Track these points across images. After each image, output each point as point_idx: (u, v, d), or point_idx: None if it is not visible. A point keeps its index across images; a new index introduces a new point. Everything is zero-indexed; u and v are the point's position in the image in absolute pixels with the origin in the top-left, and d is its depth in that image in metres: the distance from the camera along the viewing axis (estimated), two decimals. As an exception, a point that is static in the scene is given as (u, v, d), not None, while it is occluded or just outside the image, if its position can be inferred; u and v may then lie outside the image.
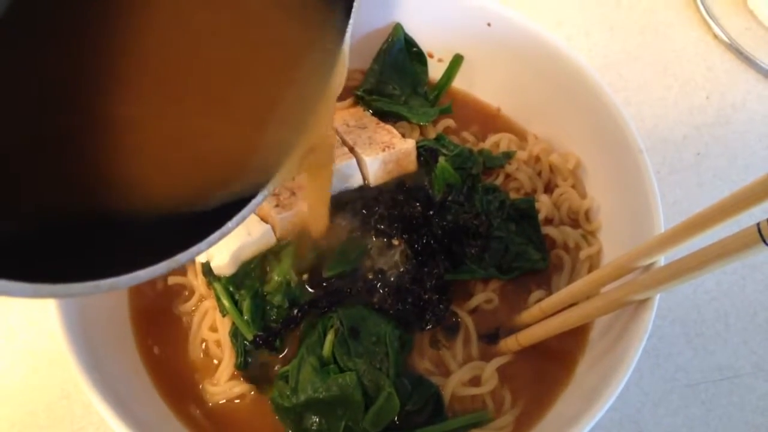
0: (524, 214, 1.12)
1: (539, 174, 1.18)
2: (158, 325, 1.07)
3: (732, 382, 1.23)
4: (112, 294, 1.05)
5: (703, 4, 1.62)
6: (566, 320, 0.99)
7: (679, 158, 1.46)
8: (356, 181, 1.13)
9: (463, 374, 1.03)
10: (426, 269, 1.06)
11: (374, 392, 0.95)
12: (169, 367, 1.04)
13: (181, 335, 1.06)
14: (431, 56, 1.28)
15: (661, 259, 0.94)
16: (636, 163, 1.04)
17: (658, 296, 0.93)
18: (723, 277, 1.32)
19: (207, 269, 1.07)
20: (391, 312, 1.03)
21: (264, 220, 1.07)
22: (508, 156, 1.18)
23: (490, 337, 1.06)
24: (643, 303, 0.93)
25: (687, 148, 1.47)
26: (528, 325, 1.04)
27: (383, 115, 1.23)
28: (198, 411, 1.01)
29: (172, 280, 1.09)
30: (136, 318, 1.07)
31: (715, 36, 1.59)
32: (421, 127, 1.22)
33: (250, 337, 1.02)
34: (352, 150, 1.13)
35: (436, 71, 1.29)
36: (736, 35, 1.58)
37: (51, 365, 1.18)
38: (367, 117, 1.21)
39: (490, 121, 1.24)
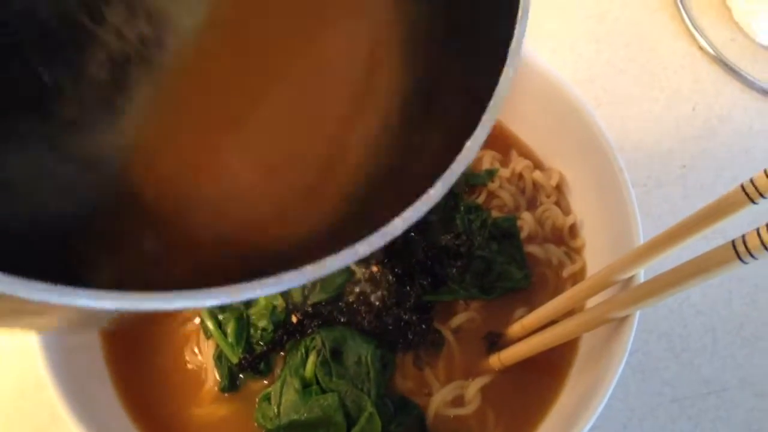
0: (506, 232, 1.13)
1: (522, 191, 1.18)
2: (134, 350, 1.07)
3: (719, 396, 1.23)
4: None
5: (688, 16, 1.62)
6: (548, 338, 0.99)
7: (665, 171, 1.46)
8: (338, 204, 1.13)
9: (446, 394, 1.03)
10: (407, 290, 1.06)
11: (356, 413, 0.95)
12: (146, 394, 1.04)
13: (161, 359, 1.06)
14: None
15: (641, 273, 0.94)
16: (616, 182, 1.04)
17: (638, 313, 0.93)
18: (709, 291, 1.32)
19: (190, 291, 1.07)
20: (372, 333, 1.03)
21: (247, 241, 1.07)
22: (491, 174, 1.18)
23: (492, 343, 1.06)
24: (623, 321, 0.94)
25: (673, 161, 1.47)
26: (511, 343, 1.05)
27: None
28: (178, 433, 1.01)
29: (156, 302, 1.09)
30: (111, 342, 1.07)
31: (701, 47, 1.59)
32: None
33: (235, 360, 1.02)
34: (334, 170, 1.13)
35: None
36: (722, 46, 1.58)
37: (39, 389, 1.18)
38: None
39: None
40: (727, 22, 1.64)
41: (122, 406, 1.02)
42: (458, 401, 1.03)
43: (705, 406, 1.22)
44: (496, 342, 1.06)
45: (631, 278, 0.95)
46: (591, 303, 1.02)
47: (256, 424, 1.01)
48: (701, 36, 1.59)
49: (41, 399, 1.17)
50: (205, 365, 1.05)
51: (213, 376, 1.04)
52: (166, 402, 1.03)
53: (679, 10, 1.63)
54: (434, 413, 1.02)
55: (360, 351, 0.99)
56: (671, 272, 0.85)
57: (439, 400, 1.02)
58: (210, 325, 1.04)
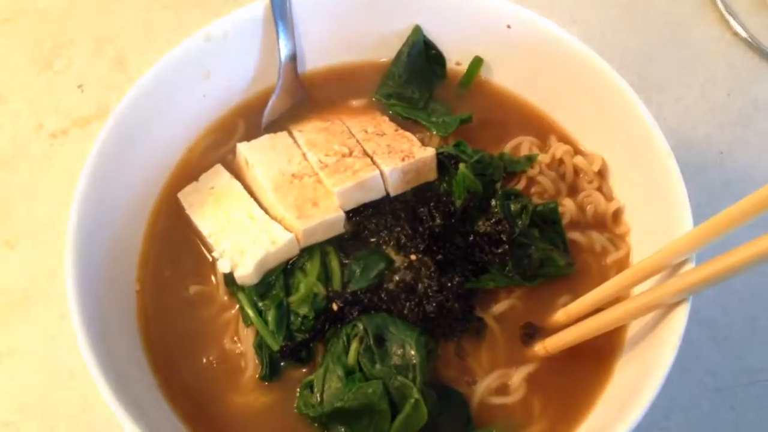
0: (548, 219, 1.11)
1: (563, 177, 1.16)
2: (176, 335, 1.06)
3: (762, 386, 1.21)
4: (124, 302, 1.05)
5: (722, 2, 1.59)
6: (595, 325, 0.97)
7: (702, 158, 1.43)
8: (378, 192, 1.11)
9: (491, 382, 1.01)
10: (448, 278, 1.04)
11: (400, 401, 0.94)
12: (185, 379, 1.03)
13: (200, 346, 1.05)
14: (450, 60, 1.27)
15: (693, 258, 0.92)
16: (664, 165, 1.02)
17: (690, 299, 0.91)
18: (751, 279, 1.29)
19: (230, 280, 1.06)
20: (414, 321, 1.01)
21: (287, 230, 1.06)
22: (530, 160, 1.16)
23: (528, 335, 1.04)
24: (675, 306, 0.92)
25: (710, 148, 1.45)
26: (555, 331, 1.03)
27: (402, 121, 1.21)
28: (220, 424, 0.99)
29: (193, 289, 1.07)
30: (152, 330, 1.06)
31: (735, 33, 1.57)
32: (440, 138, 1.20)
33: (276, 347, 1.00)
34: (372, 160, 1.12)
35: (455, 74, 1.27)
36: (757, 33, 1.56)
37: (72, 378, 1.17)
38: (385, 123, 1.19)
39: (511, 123, 1.22)
40: (761, 8, 1.61)
41: (160, 392, 1.01)
42: (503, 390, 1.02)
43: (748, 396, 1.20)
44: (533, 334, 1.04)
45: (682, 263, 0.93)
46: (637, 290, 1.00)
47: (296, 412, 0.99)
48: (736, 22, 1.57)
49: (74, 388, 1.16)
50: (245, 353, 1.03)
51: (253, 364, 1.02)
52: (206, 389, 1.02)
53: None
54: (478, 402, 1.00)
55: (404, 337, 0.98)
56: (728, 256, 0.83)
57: (483, 389, 1.01)
58: (250, 312, 1.03)
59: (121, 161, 1.07)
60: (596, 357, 1.02)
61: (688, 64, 1.55)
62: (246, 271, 1.03)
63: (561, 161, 1.16)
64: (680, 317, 0.90)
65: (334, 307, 1.03)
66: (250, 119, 1.22)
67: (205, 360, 1.04)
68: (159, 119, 1.12)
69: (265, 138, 1.17)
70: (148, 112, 1.10)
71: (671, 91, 1.51)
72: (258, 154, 1.14)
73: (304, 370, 1.02)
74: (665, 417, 1.18)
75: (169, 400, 1.00)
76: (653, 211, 1.06)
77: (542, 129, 1.21)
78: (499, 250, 1.06)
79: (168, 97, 1.13)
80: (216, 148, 1.20)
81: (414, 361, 0.96)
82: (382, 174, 1.10)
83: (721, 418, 1.19)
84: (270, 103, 1.21)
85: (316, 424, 0.98)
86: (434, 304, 1.02)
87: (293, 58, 1.22)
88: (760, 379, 1.21)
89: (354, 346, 0.97)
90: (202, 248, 1.11)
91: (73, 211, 0.98)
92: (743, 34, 1.55)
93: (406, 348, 0.97)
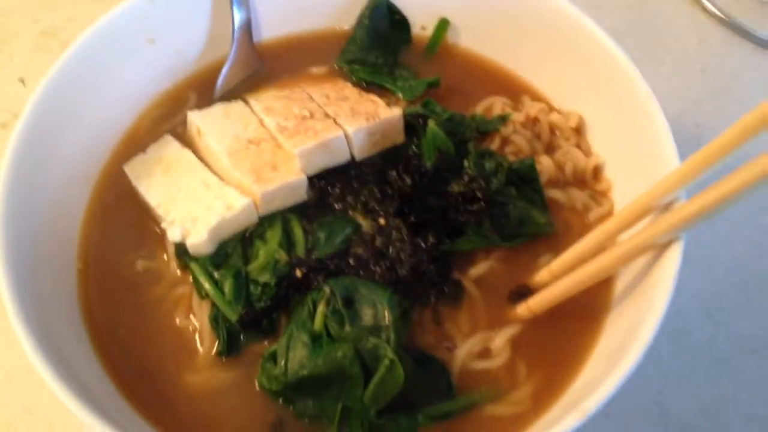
0: (525, 176, 1.04)
1: (538, 136, 1.10)
2: (122, 315, 0.96)
3: (760, 355, 1.13)
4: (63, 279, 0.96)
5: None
6: (582, 277, 0.89)
7: (679, 132, 1.38)
8: (343, 155, 1.03)
9: (472, 347, 0.93)
10: (421, 239, 0.96)
11: (373, 364, 0.84)
12: (135, 363, 0.93)
13: (149, 327, 0.95)
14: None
15: (683, 196, 0.85)
16: (645, 108, 0.96)
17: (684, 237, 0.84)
18: (738, 247, 1.23)
19: (181, 250, 0.97)
20: (387, 286, 0.92)
21: (245, 195, 0.97)
22: (503, 119, 1.09)
23: (519, 295, 0.96)
24: (666, 248, 0.84)
25: (686, 121, 1.40)
26: (538, 291, 0.95)
27: (366, 86, 1.14)
28: (175, 406, 0.89)
29: (140, 264, 0.98)
30: (95, 311, 0.96)
31: (705, 10, 1.53)
32: (407, 102, 1.13)
33: (234, 317, 0.91)
34: (335, 122, 1.04)
35: (421, 40, 1.21)
36: (727, 7, 1.52)
37: (9, 380, 1.07)
38: (348, 88, 1.12)
39: (481, 86, 1.16)
40: (729, -18, 1.59)
41: (109, 379, 0.90)
42: (485, 354, 0.93)
43: (744, 366, 1.12)
44: (525, 295, 0.96)
45: (670, 203, 0.86)
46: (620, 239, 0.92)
47: (259, 388, 0.89)
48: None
49: (12, 390, 1.05)
50: (200, 329, 0.94)
51: (209, 340, 0.93)
52: (158, 371, 0.92)
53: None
54: (460, 367, 0.91)
55: (375, 297, 0.89)
56: (720, 184, 0.77)
57: (464, 353, 0.92)
58: (205, 283, 0.94)
59: (56, 132, 0.99)
60: (583, 315, 0.95)
61: (660, 40, 1.51)
62: (199, 239, 0.94)
63: (536, 120, 1.10)
64: (674, 257, 0.83)
65: (298, 273, 0.94)
66: (201, 92, 1.15)
67: (155, 340, 0.94)
68: (99, 87, 1.05)
69: (218, 106, 1.09)
70: (86, 79, 1.03)
71: (643, 67, 1.45)
72: (210, 122, 1.06)
73: (266, 344, 0.92)
74: (659, 392, 1.09)
75: (120, 387, 0.90)
76: (636, 162, 0.99)
77: (514, 90, 1.15)
78: (475, 207, 0.98)
79: (108, 63, 1.05)
80: (165, 121, 1.12)
81: (387, 322, 0.87)
82: (346, 135, 1.02)
83: (719, 390, 1.11)
84: (223, 73, 1.13)
85: (280, 400, 0.88)
86: (407, 268, 0.94)
87: (248, 25, 1.15)
88: (756, 348, 1.14)
89: (320, 309, 0.88)
90: (151, 223, 1.02)
91: (1, 186, 0.89)
92: (714, 10, 1.52)
93: (377, 307, 0.88)
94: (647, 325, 0.79)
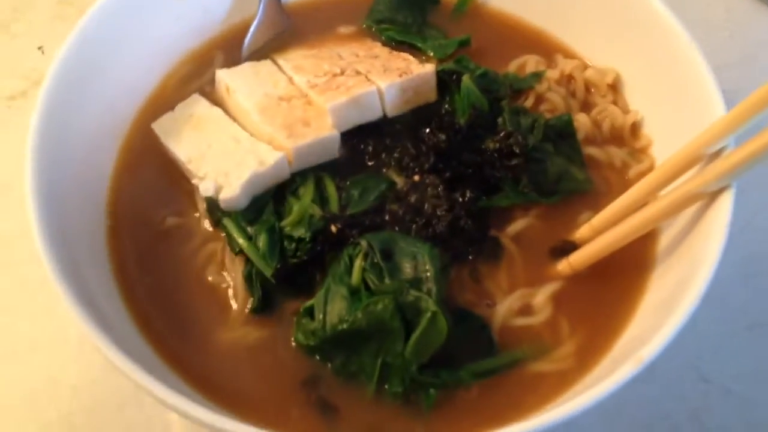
0: (562, 132, 1.01)
1: (573, 94, 1.07)
2: (153, 272, 0.94)
3: (795, 320, 1.11)
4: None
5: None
6: (625, 231, 0.87)
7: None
8: (375, 112, 1.01)
9: (512, 303, 0.90)
10: (459, 195, 0.94)
11: (414, 317, 0.82)
12: (167, 320, 0.90)
13: (181, 283, 0.93)
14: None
15: (731, 144, 0.83)
16: (687, 59, 0.94)
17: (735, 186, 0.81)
18: (772, 213, 1.21)
19: (213, 206, 0.94)
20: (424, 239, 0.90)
21: (277, 150, 0.95)
22: (538, 76, 1.07)
23: (562, 251, 0.93)
24: (716, 196, 0.82)
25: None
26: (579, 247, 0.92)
27: (396, 45, 1.12)
28: (207, 363, 0.87)
29: (171, 221, 0.96)
30: (126, 268, 0.94)
31: (730, -21, 1.51)
32: (438, 60, 1.11)
33: (269, 272, 0.89)
34: (366, 78, 1.02)
35: (449, 1, 1.19)
36: (753, -23, 1.50)
37: (33, 350, 1.04)
38: (378, 47, 1.10)
39: (513, 45, 1.13)
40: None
41: (141, 336, 0.88)
42: (526, 310, 0.91)
43: (782, 330, 1.10)
44: (568, 251, 0.93)
45: (718, 152, 0.84)
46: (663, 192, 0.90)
47: (294, 345, 0.87)
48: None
49: (35, 361, 1.03)
50: (233, 285, 0.91)
51: (243, 297, 0.90)
52: (191, 328, 0.89)
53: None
54: (500, 324, 0.89)
55: (414, 250, 0.86)
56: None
57: (504, 310, 0.89)
58: (239, 238, 0.91)
59: (83, 90, 0.97)
60: (627, 271, 0.92)
61: (686, 6, 1.48)
62: (232, 193, 0.92)
63: (570, 77, 1.08)
64: (725, 205, 0.81)
65: (333, 228, 0.91)
66: (228, 51, 1.13)
67: (187, 297, 0.91)
68: (127, 42, 1.03)
69: (247, 65, 1.07)
70: (114, 33, 1.01)
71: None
72: (239, 80, 1.03)
73: (301, 302, 0.90)
74: (697, 357, 1.07)
75: (152, 343, 0.88)
76: (677, 117, 0.97)
77: (547, 48, 1.13)
78: (513, 162, 0.95)
79: (136, 17, 1.03)
80: (192, 80, 1.10)
81: (428, 274, 0.84)
82: (379, 91, 0.99)
83: (756, 354, 1.08)
84: (251, 31, 1.11)
85: (317, 356, 0.86)
86: (444, 223, 0.91)
87: (275, -17, 1.13)
88: (792, 313, 1.11)
89: (358, 263, 0.86)
90: (181, 180, 0.99)
91: (30, 144, 0.87)
92: (739, -21, 1.50)
93: (418, 260, 0.85)
94: (701, 273, 0.77)
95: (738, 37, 1.45)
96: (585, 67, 1.09)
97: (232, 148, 0.96)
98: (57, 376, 1.01)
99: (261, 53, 1.11)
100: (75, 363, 1.01)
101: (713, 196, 0.82)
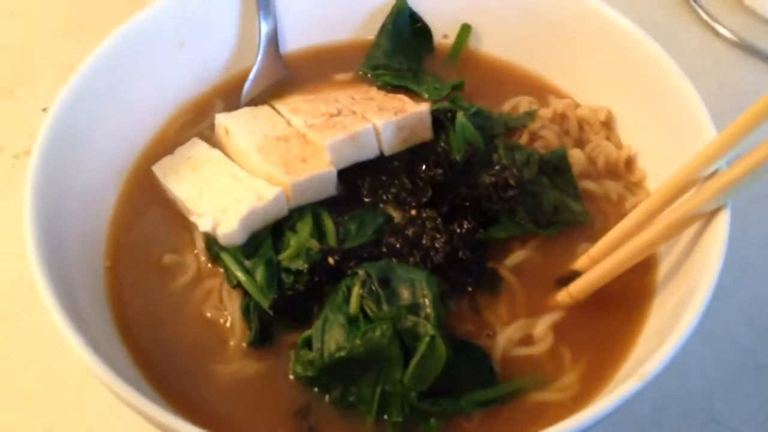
0: (557, 167, 1.02)
1: (566, 132, 1.09)
2: (150, 309, 0.94)
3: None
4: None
5: (700, 7, 1.59)
6: (624, 256, 0.87)
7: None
8: (372, 150, 1.02)
9: (513, 333, 0.89)
10: (456, 227, 0.94)
11: (413, 343, 0.81)
12: (165, 357, 0.90)
13: (178, 320, 0.92)
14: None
15: (723, 166, 0.84)
16: (678, 91, 0.96)
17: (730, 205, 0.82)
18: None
19: (211, 242, 0.95)
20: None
21: (275, 185, 0.96)
22: (531, 115, 1.09)
23: (567, 280, 0.93)
24: (713, 216, 0.82)
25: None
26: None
27: (392, 89, 1.14)
28: (203, 397, 0.85)
29: (168, 258, 0.96)
30: (124, 308, 0.94)
31: (718, 34, 1.55)
32: (433, 102, 1.13)
33: (266, 304, 0.88)
34: (362, 117, 1.03)
35: (443, 49, 1.22)
36: (738, 30, 1.55)
37: (31, 401, 1.02)
38: (373, 90, 1.13)
39: (506, 88, 1.16)
40: (737, 10, 1.61)
41: (139, 372, 0.86)
42: (527, 341, 0.90)
43: (789, 371, 1.08)
44: (572, 279, 0.93)
45: (712, 174, 0.85)
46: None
47: (293, 377, 0.85)
48: (716, 23, 1.56)
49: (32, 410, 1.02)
50: (230, 319, 0.91)
51: (241, 330, 0.89)
52: (188, 364, 0.88)
53: (688, 3, 1.61)
54: (501, 354, 0.88)
55: (412, 277, 0.86)
56: (763, 147, 0.76)
57: (505, 340, 0.88)
58: (237, 272, 0.91)
59: (84, 135, 0.98)
60: (629, 299, 0.92)
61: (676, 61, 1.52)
62: (231, 228, 0.92)
63: (564, 115, 1.09)
64: (721, 223, 0.81)
65: (331, 261, 0.91)
66: (228, 100, 1.15)
67: (184, 333, 0.91)
68: (128, 87, 1.05)
69: (246, 110, 1.09)
70: (116, 76, 1.02)
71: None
72: (238, 123, 1.05)
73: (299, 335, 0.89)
74: (706, 399, 1.05)
75: (149, 381, 0.86)
76: (670, 149, 0.98)
77: (539, 90, 1.15)
78: (509, 194, 0.96)
79: (138, 63, 1.05)
80: (193, 125, 1.12)
81: (426, 300, 0.84)
82: (375, 129, 1.01)
83: (765, 395, 1.06)
84: (250, 79, 1.14)
85: (315, 388, 0.84)
86: (442, 255, 0.91)
87: (274, 35, 1.16)
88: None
89: (356, 291, 0.85)
90: (180, 220, 1.00)
91: (30, 182, 0.89)
92: (726, 33, 1.54)
93: (416, 286, 0.85)
94: (701, 289, 0.77)
95: (727, 88, 1.48)
96: (577, 105, 1.11)
97: (230, 186, 0.97)
98: (54, 425, 1.00)
99: (259, 100, 1.13)
100: (73, 412, 1.01)
101: (709, 217, 0.82)
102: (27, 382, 1.04)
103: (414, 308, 0.83)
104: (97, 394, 1.01)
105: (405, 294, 0.84)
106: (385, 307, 0.83)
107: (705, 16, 1.58)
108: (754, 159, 0.76)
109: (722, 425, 1.02)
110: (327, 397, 0.84)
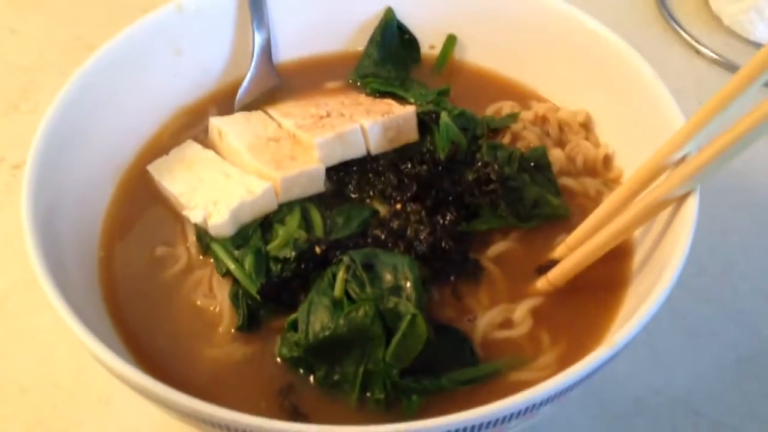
0: (537, 163, 1.06)
1: (547, 134, 1.13)
2: (142, 298, 0.97)
3: (785, 354, 1.12)
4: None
5: (680, 27, 1.65)
6: (599, 242, 0.90)
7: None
8: (359, 149, 1.07)
9: (494, 317, 0.92)
10: (439, 217, 0.97)
11: (395, 323, 0.83)
12: (156, 344, 0.92)
13: (169, 308, 0.96)
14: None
15: (693, 150, 0.87)
16: (648, 88, 1.00)
17: (698, 200, 0.85)
18: (754, 255, 1.24)
19: (202, 234, 0.98)
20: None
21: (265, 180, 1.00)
22: (513, 116, 1.13)
23: (547, 268, 0.96)
24: (683, 202, 0.86)
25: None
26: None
27: (379, 95, 1.19)
28: (191, 379, 0.88)
29: (160, 251, 0.99)
30: (117, 297, 0.97)
31: (698, 53, 1.61)
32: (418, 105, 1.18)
33: (254, 290, 0.91)
34: (350, 119, 1.08)
35: (430, 59, 1.27)
36: (719, 50, 1.60)
37: (22, 394, 1.05)
38: (362, 97, 1.17)
39: (490, 93, 1.20)
40: (717, 29, 1.67)
41: (132, 358, 0.89)
42: (507, 324, 0.92)
43: (768, 364, 1.10)
44: (551, 268, 0.96)
45: (681, 159, 0.88)
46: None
47: (279, 360, 0.88)
48: (696, 42, 1.61)
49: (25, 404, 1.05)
50: (219, 305, 0.94)
51: (229, 316, 0.92)
52: (178, 349, 0.91)
53: (669, 23, 1.67)
54: (481, 337, 0.90)
55: (395, 262, 0.89)
56: (728, 132, 0.80)
57: (485, 323, 0.91)
58: (226, 260, 0.94)
59: (79, 137, 1.01)
60: (605, 286, 0.94)
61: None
62: (220, 219, 0.96)
63: (545, 118, 1.14)
64: (690, 207, 0.84)
65: (317, 250, 0.94)
66: (222, 106, 1.19)
67: (175, 319, 0.94)
68: (126, 91, 1.09)
69: (239, 114, 1.14)
70: (114, 81, 1.06)
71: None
72: (231, 125, 1.10)
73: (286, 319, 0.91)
74: (688, 392, 1.07)
75: (139, 363, 0.88)
76: (646, 147, 1.00)
77: (521, 95, 1.20)
78: (490, 188, 0.99)
79: (136, 69, 1.09)
80: (187, 130, 1.15)
81: (408, 282, 0.86)
82: (362, 128, 1.05)
83: (747, 388, 1.08)
84: (243, 86, 1.18)
85: (301, 369, 0.87)
86: (426, 245, 0.95)
87: (267, 45, 1.21)
88: (782, 347, 1.12)
89: (340, 275, 0.88)
90: (173, 217, 1.03)
91: (27, 175, 0.92)
92: (706, 51, 1.59)
93: (398, 269, 0.88)
94: (672, 264, 0.79)
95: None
96: (557, 109, 1.15)
97: (222, 182, 1.01)
98: (45, 419, 1.02)
99: (252, 106, 1.17)
100: (63, 407, 1.03)
101: (679, 201, 0.86)
102: (19, 377, 1.07)
103: (396, 290, 0.86)
104: (87, 391, 1.05)
105: (388, 277, 0.87)
106: (368, 290, 0.86)
107: (686, 36, 1.63)
108: (719, 145, 0.80)
109: (703, 416, 1.04)
110: (312, 377, 0.86)
